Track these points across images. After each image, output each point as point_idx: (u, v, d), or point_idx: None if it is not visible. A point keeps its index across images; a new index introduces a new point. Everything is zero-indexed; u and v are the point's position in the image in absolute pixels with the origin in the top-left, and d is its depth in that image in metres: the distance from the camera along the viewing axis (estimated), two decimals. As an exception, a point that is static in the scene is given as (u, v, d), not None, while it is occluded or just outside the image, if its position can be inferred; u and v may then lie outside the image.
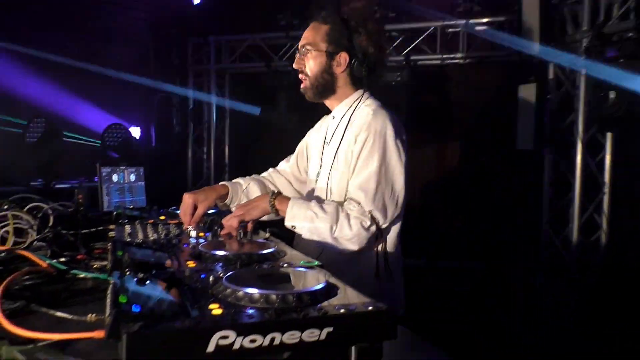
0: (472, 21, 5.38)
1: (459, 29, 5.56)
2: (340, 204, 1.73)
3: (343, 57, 1.84)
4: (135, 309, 0.79)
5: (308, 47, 1.86)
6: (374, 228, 1.69)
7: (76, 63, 5.27)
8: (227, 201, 1.96)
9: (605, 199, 4.51)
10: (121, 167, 2.64)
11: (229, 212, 1.83)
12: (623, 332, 3.63)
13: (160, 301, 0.84)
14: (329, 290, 0.97)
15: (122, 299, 0.82)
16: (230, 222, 1.60)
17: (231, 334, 0.77)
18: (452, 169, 6.39)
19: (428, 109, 6.28)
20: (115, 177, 2.60)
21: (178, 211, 1.87)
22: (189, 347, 0.75)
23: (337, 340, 0.84)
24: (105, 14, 5.87)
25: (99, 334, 0.83)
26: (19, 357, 0.84)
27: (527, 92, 4.52)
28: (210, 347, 0.76)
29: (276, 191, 1.78)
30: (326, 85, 1.87)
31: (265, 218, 1.75)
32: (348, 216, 1.67)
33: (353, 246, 1.68)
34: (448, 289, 5.05)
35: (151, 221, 1.84)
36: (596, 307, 4.17)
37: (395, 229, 1.85)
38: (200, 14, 6.39)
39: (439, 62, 5.77)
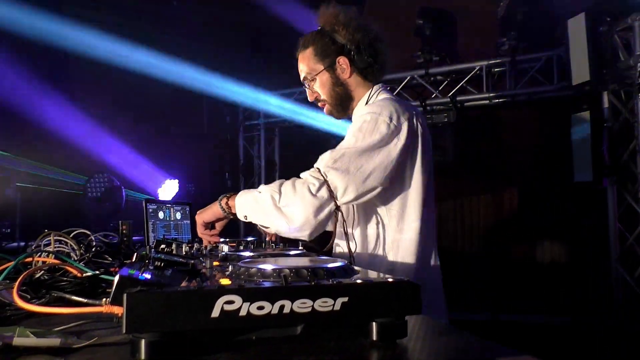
0: (518, 58, 5.31)
1: (505, 68, 5.49)
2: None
3: (342, 61, 1.79)
4: (142, 277, 0.77)
5: (308, 76, 1.84)
6: (324, 194, 1.45)
7: (136, 124, 5.62)
8: None
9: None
10: (167, 205, 2.70)
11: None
12: None
13: (171, 275, 0.82)
14: (348, 270, 0.91)
15: (131, 272, 0.80)
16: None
17: (237, 299, 0.73)
18: (512, 215, 6.12)
19: (479, 152, 6.12)
20: (161, 214, 2.65)
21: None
22: (192, 310, 0.72)
23: (354, 313, 0.78)
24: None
25: (107, 307, 0.81)
26: (31, 336, 0.83)
27: (581, 121, 4.34)
28: (215, 312, 0.72)
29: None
30: (343, 96, 1.83)
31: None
32: (294, 181, 1.50)
33: (299, 216, 1.44)
34: (518, 345, 4.70)
35: (189, 244, 1.85)
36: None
37: (409, 238, 1.68)
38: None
39: (487, 101, 5.68)
